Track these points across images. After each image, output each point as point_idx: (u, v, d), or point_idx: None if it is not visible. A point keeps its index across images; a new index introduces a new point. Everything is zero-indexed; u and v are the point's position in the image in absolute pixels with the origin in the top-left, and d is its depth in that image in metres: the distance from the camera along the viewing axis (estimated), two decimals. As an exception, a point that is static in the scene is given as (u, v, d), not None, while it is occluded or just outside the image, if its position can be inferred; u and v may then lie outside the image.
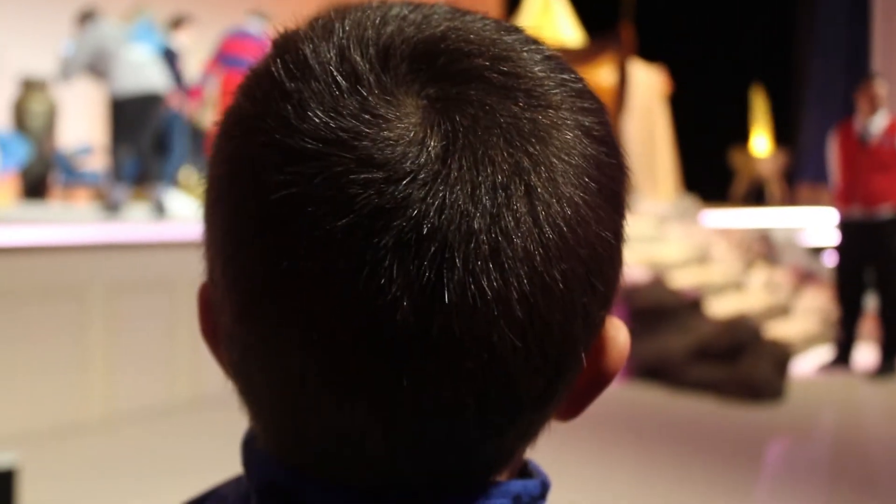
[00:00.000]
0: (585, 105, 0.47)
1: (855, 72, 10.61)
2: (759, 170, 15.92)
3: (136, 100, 7.32)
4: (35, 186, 8.79)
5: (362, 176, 0.42)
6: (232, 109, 0.48)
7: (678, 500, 4.61)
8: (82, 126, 9.89)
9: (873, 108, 7.38)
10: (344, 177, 0.42)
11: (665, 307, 7.17)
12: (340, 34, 0.46)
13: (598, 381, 0.52)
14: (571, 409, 0.53)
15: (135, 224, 6.62)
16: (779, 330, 7.99)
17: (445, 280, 0.42)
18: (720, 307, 7.94)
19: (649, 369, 6.98)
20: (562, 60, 0.49)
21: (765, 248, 9.90)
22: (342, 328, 0.43)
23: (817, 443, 6.09)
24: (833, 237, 7.93)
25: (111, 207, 7.22)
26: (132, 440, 5.28)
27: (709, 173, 14.77)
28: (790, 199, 16.20)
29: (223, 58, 8.32)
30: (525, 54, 0.47)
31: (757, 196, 16.06)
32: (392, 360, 0.43)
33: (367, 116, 0.43)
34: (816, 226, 11.24)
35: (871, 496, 4.82)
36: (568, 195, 0.44)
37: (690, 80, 13.33)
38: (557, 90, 0.46)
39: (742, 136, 16.55)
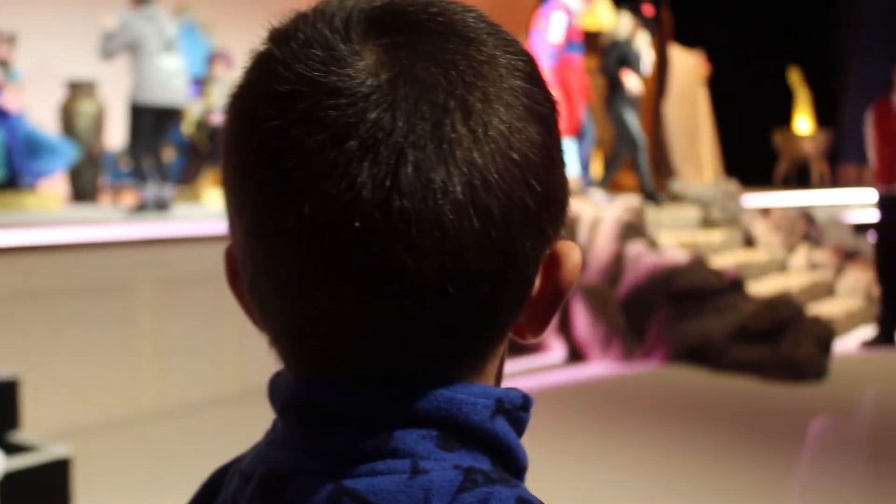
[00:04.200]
0: (513, 49, 0.60)
1: (896, 50, 10.52)
2: (802, 149, 15.80)
3: (156, 112, 7.49)
4: (84, 188, 8.96)
5: (331, 102, 0.55)
6: (235, 86, 0.61)
7: (722, 480, 4.66)
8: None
9: (912, 84, 7.37)
10: (318, 105, 0.55)
11: (706, 288, 7.18)
12: (310, 16, 0.59)
13: (555, 294, 0.62)
14: (534, 323, 0.63)
15: (178, 221, 6.77)
16: (822, 309, 7.99)
17: (400, 173, 0.54)
18: (762, 287, 7.94)
19: (691, 350, 7.00)
20: (493, 21, 0.62)
21: (808, 228, 9.87)
22: (324, 220, 0.54)
23: (860, 421, 6.10)
24: (874, 214, 7.91)
25: (142, 208, 7.42)
26: (181, 431, 5.43)
27: (751, 155, 14.70)
28: (833, 178, 16.08)
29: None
30: (459, 12, 0.60)
31: (800, 176, 15.95)
32: (365, 240, 0.54)
33: (334, 63, 0.56)
34: (860, 205, 11.17)
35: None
36: (500, 111, 0.57)
37: (730, 63, 13.28)
38: (488, 37, 0.59)
39: (784, 117, 16.43)
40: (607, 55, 8.89)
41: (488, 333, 0.60)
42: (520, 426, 0.61)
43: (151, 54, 7.40)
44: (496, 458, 0.59)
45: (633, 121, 8.86)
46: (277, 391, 0.62)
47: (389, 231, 0.54)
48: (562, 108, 0.63)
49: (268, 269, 0.58)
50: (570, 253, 0.62)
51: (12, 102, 7.61)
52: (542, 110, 0.59)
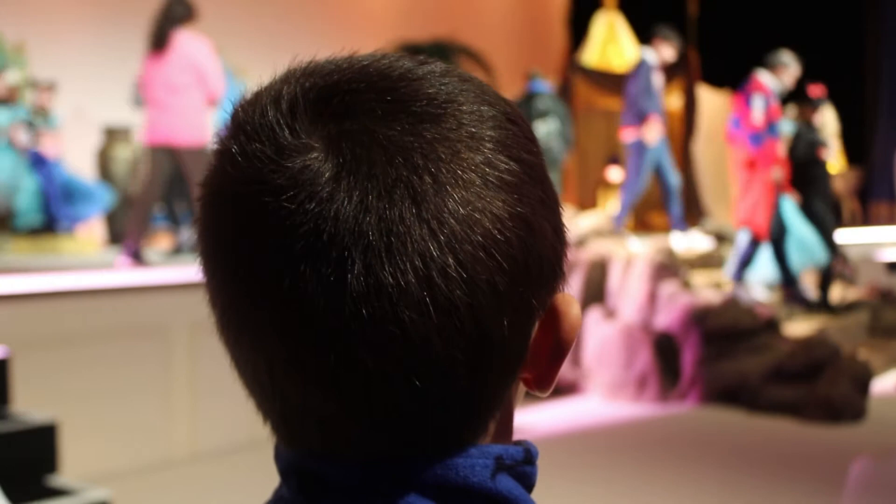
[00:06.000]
0: (478, 114, 0.57)
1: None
2: (833, 187, 15.73)
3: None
4: (120, 231, 9.05)
5: (275, 203, 0.53)
6: (203, 175, 0.61)
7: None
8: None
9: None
10: (262, 206, 0.53)
11: (740, 328, 7.13)
12: (262, 97, 0.58)
13: (558, 349, 0.60)
14: (540, 379, 0.61)
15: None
16: (858, 348, 7.90)
17: (348, 275, 0.52)
18: (797, 327, 7.88)
19: (726, 391, 6.93)
20: (461, 77, 0.59)
21: (841, 267, 9.80)
22: (279, 328, 0.54)
23: (900, 462, 6.02)
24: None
25: (177, 251, 7.53)
26: (217, 475, 5.42)
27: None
28: (864, 216, 15.99)
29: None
30: (415, 80, 0.57)
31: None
32: (321, 345, 0.53)
33: (280, 157, 0.54)
34: (892, 243, 11.09)
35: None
36: (455, 192, 0.53)
37: (759, 102, 13.24)
38: (448, 105, 0.56)
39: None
40: (795, 144, 8.55)
41: (478, 406, 0.58)
42: (526, 480, 0.60)
43: None
44: None
45: (832, 220, 8.49)
46: (279, 458, 0.62)
47: (347, 335, 0.52)
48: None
49: (243, 363, 0.59)
50: (569, 309, 0.60)
51: (50, 148, 7.72)
52: (509, 178, 0.56)
